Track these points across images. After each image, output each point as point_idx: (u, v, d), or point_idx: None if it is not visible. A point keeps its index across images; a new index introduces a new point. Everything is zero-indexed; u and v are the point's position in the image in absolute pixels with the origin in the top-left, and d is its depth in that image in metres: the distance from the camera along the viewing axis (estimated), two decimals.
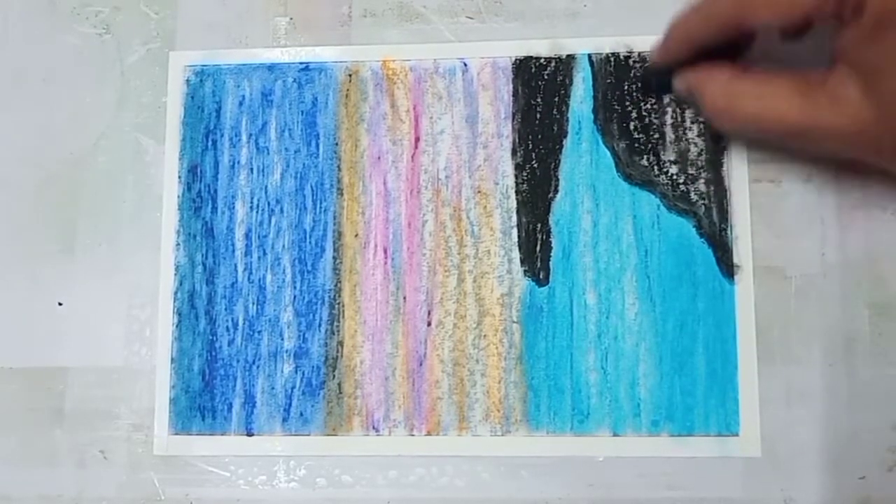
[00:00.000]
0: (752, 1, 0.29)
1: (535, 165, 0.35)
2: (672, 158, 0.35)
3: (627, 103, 0.35)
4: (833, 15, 0.28)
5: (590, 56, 0.35)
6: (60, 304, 0.36)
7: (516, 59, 0.36)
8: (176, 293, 0.35)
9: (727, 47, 0.31)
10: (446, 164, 0.35)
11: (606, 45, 0.35)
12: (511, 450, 0.34)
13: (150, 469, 0.34)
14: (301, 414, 0.34)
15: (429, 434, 0.34)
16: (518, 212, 0.35)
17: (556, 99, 0.35)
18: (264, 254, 0.35)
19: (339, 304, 0.35)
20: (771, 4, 0.28)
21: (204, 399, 0.35)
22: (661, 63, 0.33)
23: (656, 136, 0.35)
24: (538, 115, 0.35)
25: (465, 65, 0.36)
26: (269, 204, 0.36)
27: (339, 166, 0.36)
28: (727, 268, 0.34)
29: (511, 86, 0.36)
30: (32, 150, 0.37)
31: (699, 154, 0.34)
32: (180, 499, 0.34)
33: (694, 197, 0.34)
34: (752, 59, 0.32)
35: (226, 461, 0.34)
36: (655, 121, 0.35)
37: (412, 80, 0.36)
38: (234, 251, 0.36)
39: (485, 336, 0.34)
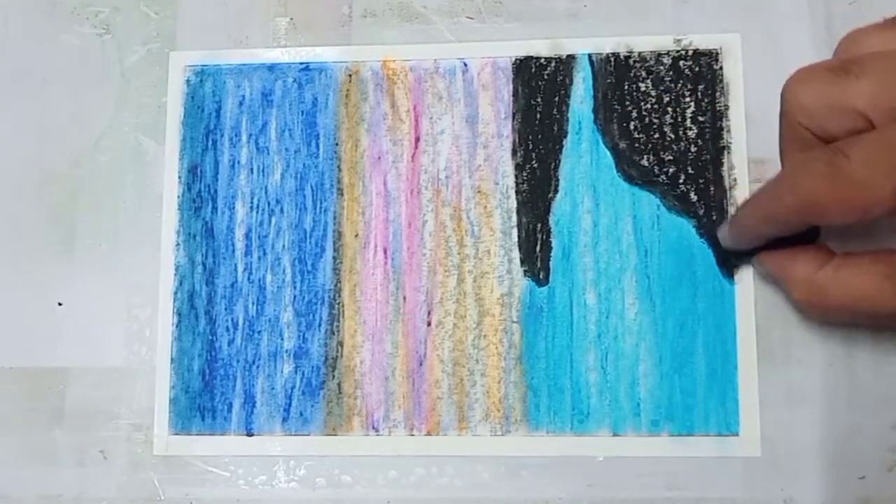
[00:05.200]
0: (819, 205, 0.26)
1: (535, 165, 0.35)
2: (672, 158, 0.35)
3: (627, 103, 0.35)
4: None
5: (590, 56, 0.35)
6: (60, 304, 0.36)
7: (516, 59, 0.36)
8: (176, 293, 0.35)
9: None
10: (446, 164, 0.35)
11: (606, 45, 0.35)
12: (511, 450, 0.33)
13: (150, 469, 0.34)
14: (301, 414, 0.34)
15: (429, 434, 0.34)
16: (518, 212, 0.35)
17: (556, 99, 0.35)
18: (264, 254, 0.35)
19: (339, 304, 0.35)
20: (843, 210, 0.25)
21: (204, 399, 0.35)
22: (732, 248, 0.33)
23: (656, 136, 0.35)
24: (538, 115, 0.35)
25: (465, 65, 0.36)
26: (269, 204, 0.36)
27: (339, 166, 0.36)
28: (727, 268, 0.34)
29: (511, 86, 0.36)
30: (32, 150, 0.37)
31: (699, 154, 0.34)
32: (180, 499, 0.34)
33: (694, 197, 0.34)
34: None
35: (226, 461, 0.34)
36: (655, 121, 0.35)
37: (412, 81, 0.36)
38: (234, 251, 0.36)
39: (485, 336, 0.34)
